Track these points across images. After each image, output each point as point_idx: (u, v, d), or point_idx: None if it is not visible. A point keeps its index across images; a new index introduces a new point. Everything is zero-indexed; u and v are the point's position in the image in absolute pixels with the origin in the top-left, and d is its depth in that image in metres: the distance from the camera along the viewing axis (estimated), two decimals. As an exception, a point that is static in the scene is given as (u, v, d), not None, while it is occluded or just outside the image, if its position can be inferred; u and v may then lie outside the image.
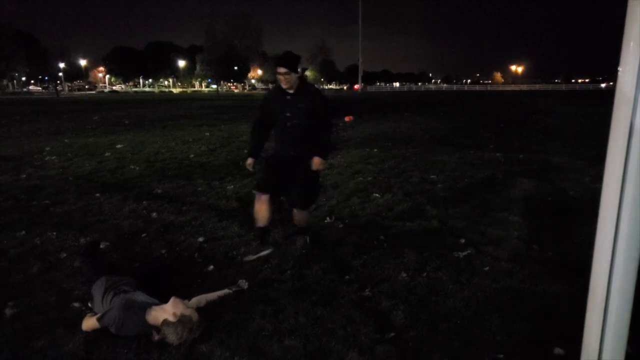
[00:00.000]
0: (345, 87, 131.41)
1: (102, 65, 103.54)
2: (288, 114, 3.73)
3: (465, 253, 3.86)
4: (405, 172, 7.29)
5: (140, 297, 2.73)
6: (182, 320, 2.53)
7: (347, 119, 17.29)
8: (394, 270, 3.51)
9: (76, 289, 3.16)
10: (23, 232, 4.39)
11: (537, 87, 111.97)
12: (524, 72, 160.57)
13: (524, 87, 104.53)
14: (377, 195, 5.81)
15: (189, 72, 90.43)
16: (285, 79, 3.61)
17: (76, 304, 2.92)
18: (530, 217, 4.85)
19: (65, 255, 3.82)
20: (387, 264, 3.63)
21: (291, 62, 3.61)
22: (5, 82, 78.08)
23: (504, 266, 3.59)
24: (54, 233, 4.35)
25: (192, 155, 8.97)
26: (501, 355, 2.45)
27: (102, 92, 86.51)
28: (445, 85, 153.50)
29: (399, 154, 9.03)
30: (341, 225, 4.63)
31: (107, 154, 9.12)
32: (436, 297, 3.09)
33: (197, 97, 55.28)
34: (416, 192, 5.98)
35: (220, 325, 2.72)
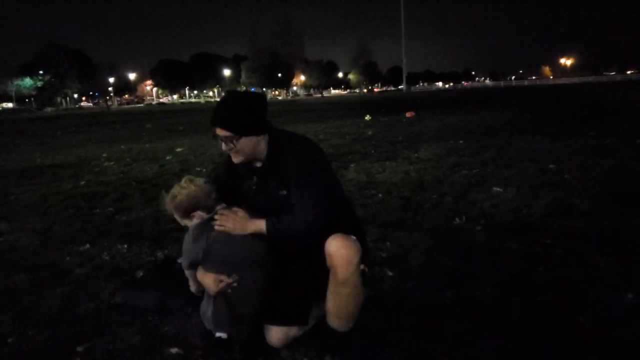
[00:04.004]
0: (375, 89, 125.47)
1: (149, 79, 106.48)
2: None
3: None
4: (513, 162, 6.16)
5: None
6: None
7: (408, 114, 16.34)
8: (605, 289, 2.44)
9: (169, 323, 2.27)
10: (87, 245, 3.61)
11: (590, 79, 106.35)
12: (573, 65, 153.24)
13: (576, 80, 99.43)
14: (498, 189, 4.73)
15: (234, 81, 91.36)
16: (229, 148, 1.98)
17: (174, 350, 2.03)
18: None
19: (142, 273, 2.96)
20: (585, 280, 2.56)
21: (232, 118, 1.94)
22: (59, 99, 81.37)
23: None
24: (125, 246, 3.54)
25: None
26: None
27: (150, 104, 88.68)
28: (491, 82, 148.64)
29: (491, 145, 7.87)
30: (479, 228, 3.58)
31: (168, 157, 8.45)
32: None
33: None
34: (544, 184, 4.86)
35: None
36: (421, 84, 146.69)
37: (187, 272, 2.16)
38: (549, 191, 4.54)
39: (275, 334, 1.99)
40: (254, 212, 2.03)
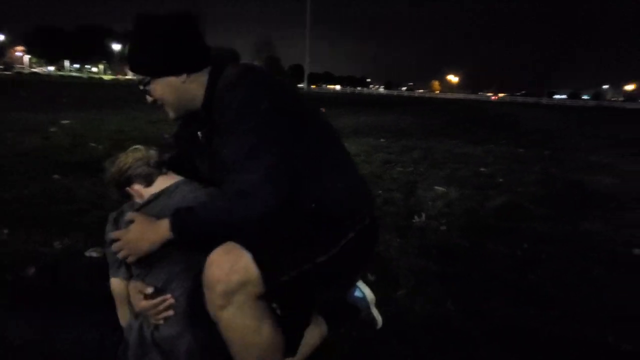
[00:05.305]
0: None
1: (22, 44, 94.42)
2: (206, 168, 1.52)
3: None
4: (443, 163, 6.03)
5: None
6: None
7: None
8: (619, 300, 2.17)
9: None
10: (-55, 228, 2.61)
11: (472, 96, 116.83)
12: (459, 83, 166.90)
13: (461, 96, 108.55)
14: (441, 188, 4.48)
15: (124, 59, 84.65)
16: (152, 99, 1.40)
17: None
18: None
19: (34, 269, 2.14)
20: (590, 289, 2.28)
21: (135, 53, 1.39)
22: None
23: None
24: (4, 231, 2.61)
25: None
26: None
27: (21, 73, 78.18)
28: (384, 90, 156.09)
29: (414, 145, 7.77)
30: (443, 227, 3.23)
31: (52, 129, 7.12)
32: None
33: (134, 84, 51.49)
34: (484, 186, 4.73)
35: None
36: (323, 85, 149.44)
37: (112, 286, 1.48)
38: (494, 193, 4.38)
39: None
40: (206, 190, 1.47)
